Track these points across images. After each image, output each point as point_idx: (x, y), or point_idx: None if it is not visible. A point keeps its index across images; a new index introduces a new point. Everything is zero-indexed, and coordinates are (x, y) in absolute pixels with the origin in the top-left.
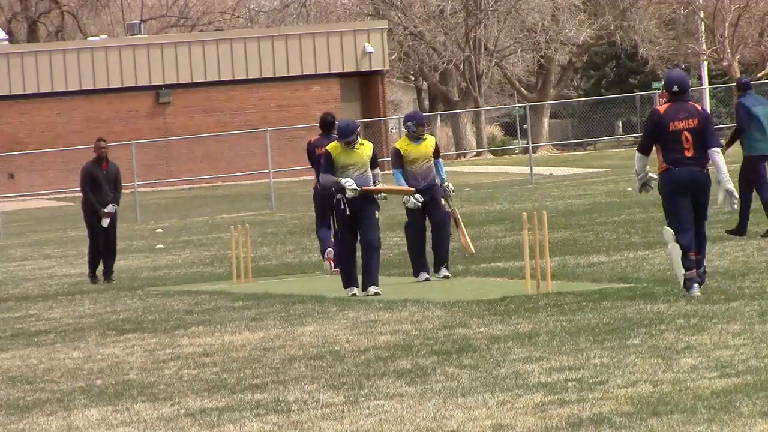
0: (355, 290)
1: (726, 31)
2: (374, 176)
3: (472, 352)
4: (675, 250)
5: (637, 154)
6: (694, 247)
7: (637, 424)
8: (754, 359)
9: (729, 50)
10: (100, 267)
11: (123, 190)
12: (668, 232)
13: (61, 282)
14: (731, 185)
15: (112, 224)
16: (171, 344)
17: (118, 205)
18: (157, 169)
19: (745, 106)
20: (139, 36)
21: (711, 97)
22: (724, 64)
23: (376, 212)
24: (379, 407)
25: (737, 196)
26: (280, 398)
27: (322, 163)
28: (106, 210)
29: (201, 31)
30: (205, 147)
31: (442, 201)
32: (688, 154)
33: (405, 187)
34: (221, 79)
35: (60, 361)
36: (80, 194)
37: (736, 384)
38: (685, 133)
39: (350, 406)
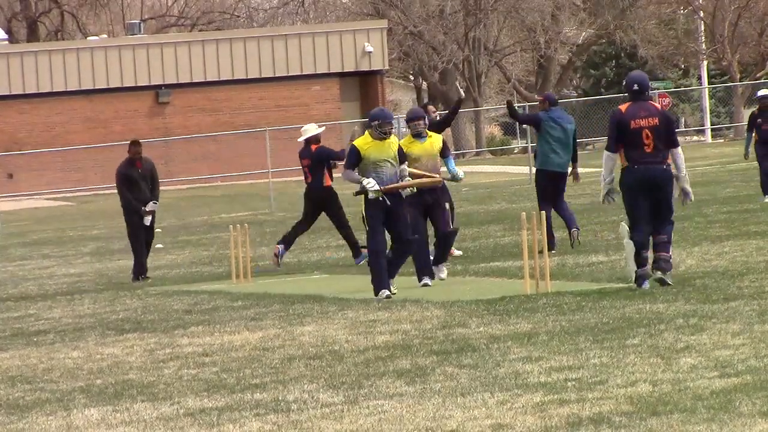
0: (388, 291)
1: (726, 31)
2: (401, 171)
3: (471, 351)
4: (629, 247)
5: (605, 153)
6: (647, 246)
7: (637, 423)
8: (754, 359)
9: (729, 50)
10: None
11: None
12: (624, 228)
13: (60, 282)
14: (688, 185)
15: (153, 221)
16: (170, 344)
17: (157, 201)
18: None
19: (540, 117)
20: (138, 36)
21: (710, 97)
22: (724, 63)
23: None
24: (378, 407)
25: (692, 197)
26: (280, 398)
27: (347, 154)
28: (147, 208)
29: (200, 30)
30: (204, 147)
31: (447, 205)
32: (648, 150)
33: (429, 177)
34: (221, 78)
35: (59, 361)
36: (83, 194)
37: (736, 384)
38: (646, 130)
39: (349, 406)
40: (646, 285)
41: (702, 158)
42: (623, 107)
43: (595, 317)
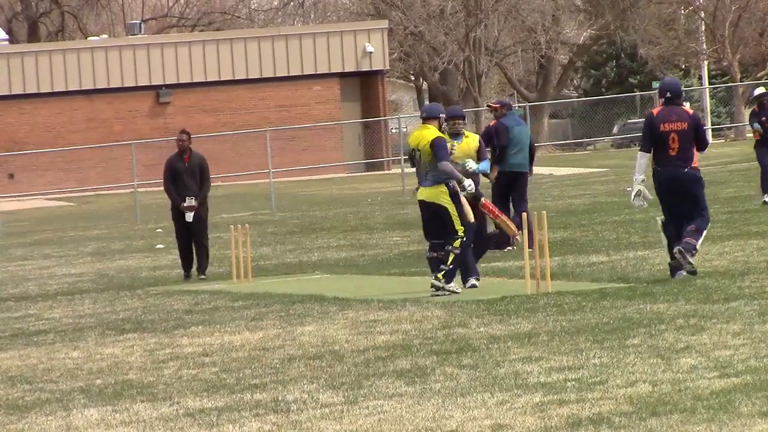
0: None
1: (726, 31)
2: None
3: (471, 351)
4: (664, 241)
5: (639, 152)
6: (680, 238)
7: (637, 423)
8: (754, 359)
9: (729, 50)
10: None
11: (124, 190)
12: (658, 222)
13: (60, 282)
14: None
15: (199, 217)
16: (170, 344)
17: (205, 198)
18: (157, 169)
19: (504, 125)
20: (139, 36)
21: (711, 97)
22: (725, 63)
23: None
24: (378, 407)
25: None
26: (280, 398)
27: (443, 149)
28: (185, 204)
29: (201, 30)
30: (205, 147)
31: (483, 200)
32: (673, 153)
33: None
34: (221, 79)
35: (59, 361)
36: (84, 194)
37: (736, 384)
38: (673, 134)
39: (349, 406)
40: (679, 276)
41: (703, 158)
42: (655, 110)
43: (596, 317)
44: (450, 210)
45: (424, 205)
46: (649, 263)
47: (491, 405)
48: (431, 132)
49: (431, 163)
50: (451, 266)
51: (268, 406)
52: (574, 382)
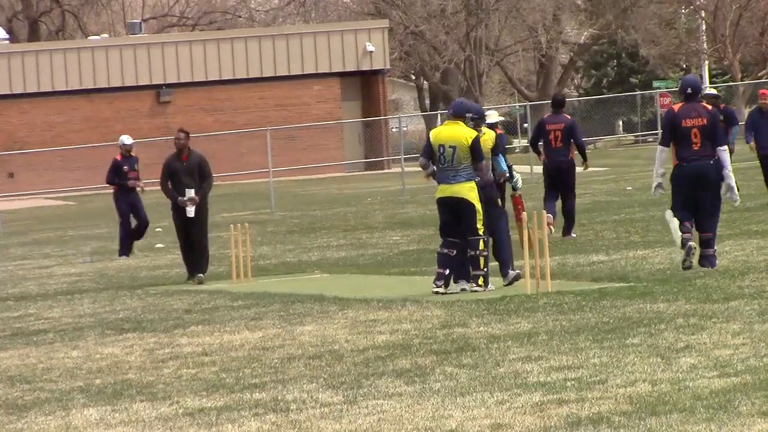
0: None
1: (727, 31)
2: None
3: (471, 351)
4: (673, 223)
5: (659, 147)
6: (690, 221)
7: (636, 423)
8: (753, 359)
9: (730, 49)
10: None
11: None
12: (669, 213)
13: (60, 281)
14: (733, 181)
15: (198, 220)
16: (170, 344)
17: (206, 195)
18: (158, 168)
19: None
20: (139, 35)
21: None
22: (725, 63)
23: None
24: (377, 407)
25: (737, 192)
26: (279, 398)
27: (481, 149)
28: (185, 198)
29: (202, 30)
30: (205, 146)
31: (518, 193)
32: (696, 148)
33: None
34: (222, 78)
35: (59, 361)
36: (83, 193)
37: (735, 383)
38: (695, 130)
39: (349, 406)
40: (690, 244)
41: None
42: (676, 107)
43: (595, 317)
44: (477, 207)
45: (448, 201)
46: (648, 262)
47: (491, 404)
48: (467, 130)
49: (466, 161)
50: (484, 269)
51: (268, 406)
52: (573, 382)
